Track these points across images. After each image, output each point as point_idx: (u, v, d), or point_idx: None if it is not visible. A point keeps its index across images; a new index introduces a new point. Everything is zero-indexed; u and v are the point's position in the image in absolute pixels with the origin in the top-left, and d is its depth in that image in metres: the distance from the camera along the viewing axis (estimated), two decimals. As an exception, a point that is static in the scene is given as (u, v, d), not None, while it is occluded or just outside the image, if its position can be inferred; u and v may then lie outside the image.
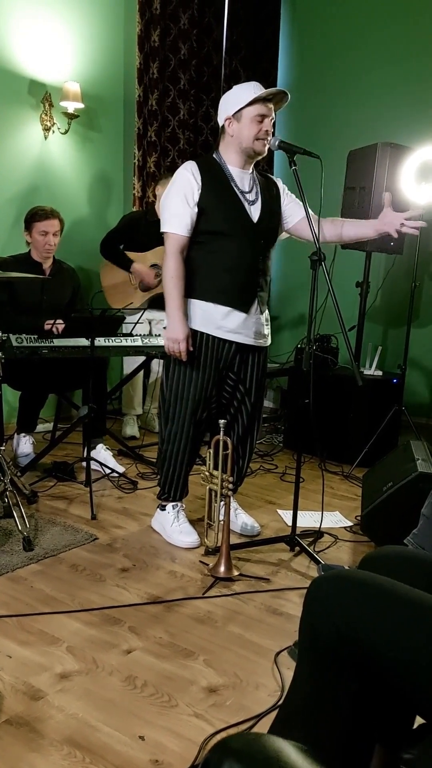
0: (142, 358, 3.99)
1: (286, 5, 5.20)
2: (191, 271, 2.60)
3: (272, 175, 5.18)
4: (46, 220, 3.50)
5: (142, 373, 4.18)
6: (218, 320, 2.61)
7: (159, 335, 3.59)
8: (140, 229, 4.02)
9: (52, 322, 3.28)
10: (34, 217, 3.52)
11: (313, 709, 1.15)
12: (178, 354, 2.59)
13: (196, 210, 2.53)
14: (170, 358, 2.66)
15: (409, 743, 1.16)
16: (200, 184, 2.53)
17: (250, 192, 2.62)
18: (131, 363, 4.16)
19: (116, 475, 3.45)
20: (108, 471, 3.45)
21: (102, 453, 3.52)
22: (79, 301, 3.80)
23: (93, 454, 3.43)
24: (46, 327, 3.31)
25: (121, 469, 3.50)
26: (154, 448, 3.93)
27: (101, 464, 3.45)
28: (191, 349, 2.60)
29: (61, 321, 3.31)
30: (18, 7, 3.79)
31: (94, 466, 3.38)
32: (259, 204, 2.63)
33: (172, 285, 2.57)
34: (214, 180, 2.56)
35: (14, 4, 3.77)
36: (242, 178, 2.61)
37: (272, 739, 0.86)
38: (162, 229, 2.59)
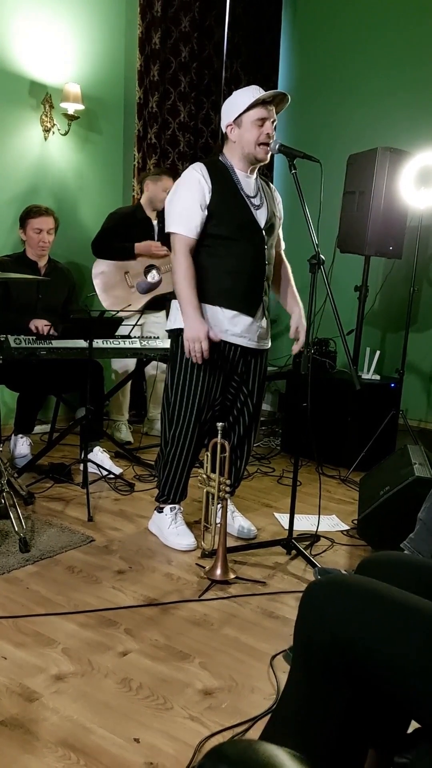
0: (133, 362, 4.00)
1: (287, 10, 5.21)
2: (196, 275, 2.58)
3: (272, 177, 5.24)
4: (40, 217, 3.52)
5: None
6: (225, 324, 2.60)
7: (158, 337, 3.59)
8: (132, 226, 3.99)
9: (38, 323, 3.29)
10: (29, 214, 3.54)
11: (306, 715, 1.15)
12: (199, 354, 2.53)
13: (206, 213, 2.52)
14: (176, 361, 2.65)
15: (404, 747, 1.16)
16: (211, 187, 2.52)
17: (255, 197, 2.62)
18: (118, 366, 4.16)
19: (113, 477, 3.44)
20: (105, 473, 3.45)
21: (99, 455, 3.52)
22: (74, 301, 3.80)
23: (90, 456, 3.43)
24: (31, 326, 3.31)
25: (117, 470, 3.50)
26: (150, 451, 3.93)
27: (98, 466, 3.45)
28: (217, 339, 2.55)
29: (47, 323, 3.32)
30: (19, 9, 3.79)
31: (91, 468, 3.38)
32: (264, 209, 2.63)
33: (185, 285, 2.53)
34: (223, 184, 2.55)
35: (15, 5, 3.77)
36: (247, 182, 2.61)
37: (266, 746, 0.87)
38: (169, 230, 2.56)
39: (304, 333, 2.79)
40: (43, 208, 3.58)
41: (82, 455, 3.31)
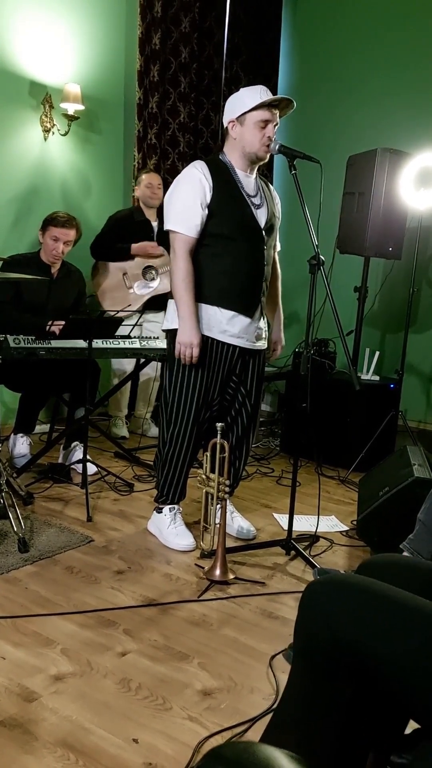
0: (132, 362, 4.00)
1: (287, 10, 5.21)
2: (195, 274, 2.56)
3: (272, 177, 5.24)
4: (61, 228, 3.48)
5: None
6: (223, 324, 2.60)
7: (158, 338, 3.59)
8: (129, 229, 4.01)
9: (57, 323, 3.29)
10: (52, 221, 3.51)
11: (307, 714, 1.15)
12: (189, 359, 2.56)
13: (206, 212, 2.51)
14: (174, 361, 2.64)
15: (401, 748, 1.16)
16: (211, 185, 2.51)
17: (255, 196, 2.62)
18: (119, 365, 4.16)
19: (113, 476, 3.44)
20: (105, 473, 3.44)
21: (79, 454, 3.49)
22: (83, 304, 3.80)
23: (74, 456, 3.44)
24: (51, 328, 3.31)
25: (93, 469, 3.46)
26: (149, 451, 3.93)
27: (98, 466, 3.44)
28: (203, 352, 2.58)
29: (62, 322, 3.31)
30: (20, 9, 3.79)
31: (78, 468, 3.37)
32: (264, 209, 2.63)
33: (183, 287, 2.52)
34: (224, 182, 2.54)
35: (16, 5, 3.77)
36: (248, 181, 2.61)
37: (264, 747, 0.87)
38: (168, 227, 2.54)
39: (281, 350, 2.90)
40: (67, 218, 3.52)
41: (81, 455, 3.30)
